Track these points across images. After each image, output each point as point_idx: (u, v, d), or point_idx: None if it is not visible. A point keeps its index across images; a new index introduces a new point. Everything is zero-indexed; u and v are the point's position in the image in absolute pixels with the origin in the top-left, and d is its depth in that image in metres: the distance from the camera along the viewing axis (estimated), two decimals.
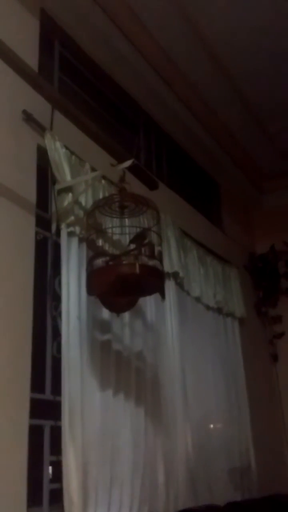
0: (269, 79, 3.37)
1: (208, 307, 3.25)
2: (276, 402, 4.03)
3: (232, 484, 3.02)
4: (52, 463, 1.99)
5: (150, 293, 2.15)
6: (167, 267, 2.68)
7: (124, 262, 1.93)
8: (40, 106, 2.13)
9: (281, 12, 2.86)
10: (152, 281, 1.95)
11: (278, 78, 3.37)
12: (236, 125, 3.74)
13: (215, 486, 2.80)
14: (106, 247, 2.17)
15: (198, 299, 3.14)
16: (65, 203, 2.15)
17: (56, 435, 1.94)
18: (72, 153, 2.25)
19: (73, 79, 2.75)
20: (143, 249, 1.96)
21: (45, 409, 1.99)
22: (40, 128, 2.17)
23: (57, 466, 1.92)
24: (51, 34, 2.59)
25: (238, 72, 3.29)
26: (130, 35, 2.83)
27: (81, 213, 2.19)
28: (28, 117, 2.13)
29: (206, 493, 2.67)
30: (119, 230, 2.17)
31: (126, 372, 2.29)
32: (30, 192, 2.10)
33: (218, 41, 3.03)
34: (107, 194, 2.28)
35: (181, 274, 2.89)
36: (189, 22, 2.89)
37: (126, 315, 2.34)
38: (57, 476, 1.92)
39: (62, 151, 2.18)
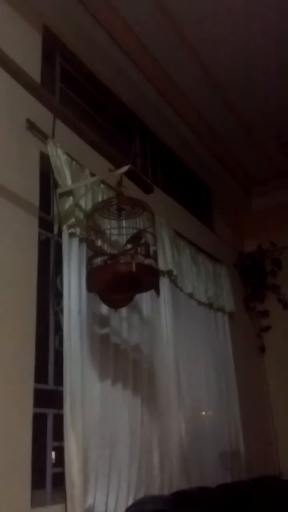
0: (257, 92, 3.38)
1: (200, 303, 3.26)
2: (263, 391, 4.04)
3: (223, 467, 3.03)
4: (54, 449, 1.98)
5: (145, 290, 2.16)
6: (161, 265, 2.69)
7: (121, 261, 1.93)
8: (42, 115, 2.13)
9: (269, 34, 2.87)
10: (147, 278, 1.95)
11: (265, 92, 3.37)
12: (226, 134, 3.75)
13: (206, 469, 2.80)
14: (105, 247, 2.16)
15: (190, 295, 3.14)
16: (66, 206, 2.14)
17: (58, 422, 1.94)
18: (72, 159, 2.25)
19: (74, 90, 2.74)
20: (139, 249, 1.96)
21: (48, 398, 1.99)
22: (42, 136, 2.17)
23: (59, 451, 1.92)
24: (53, 48, 2.59)
25: (229, 86, 3.30)
26: (127, 49, 2.83)
27: (81, 215, 2.19)
28: (31, 126, 2.13)
29: (198, 476, 2.68)
30: (117, 231, 2.17)
31: (123, 364, 2.29)
32: (34, 196, 2.09)
33: (211, 57, 3.05)
34: (105, 198, 2.28)
35: (174, 272, 2.90)
36: (183, 39, 2.90)
37: (124, 310, 2.34)
38: (59, 460, 1.92)
39: (63, 157, 2.18)
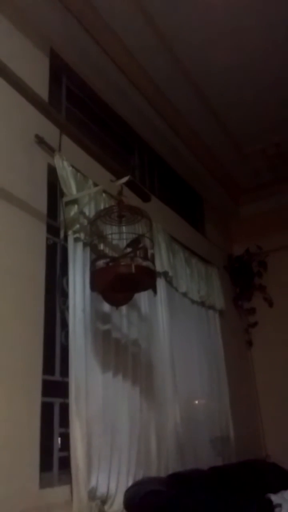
0: (245, 112, 3.40)
1: (193, 301, 3.25)
2: (251, 381, 4.04)
3: (214, 451, 3.02)
4: (61, 435, 1.98)
5: (144, 289, 2.15)
6: (158, 267, 2.69)
7: (122, 263, 1.92)
8: (50, 131, 2.13)
9: (258, 52, 2.89)
10: (145, 279, 1.95)
11: (253, 111, 3.40)
12: (217, 148, 3.76)
13: (199, 453, 2.80)
14: (107, 250, 2.16)
15: (184, 294, 3.14)
16: (72, 213, 2.14)
17: (64, 410, 1.93)
18: (77, 171, 2.25)
19: (78, 108, 2.75)
20: (138, 252, 1.96)
21: (55, 388, 1.98)
22: (50, 150, 2.17)
23: (65, 437, 1.92)
24: (59, 70, 2.59)
25: (220, 106, 3.33)
26: (127, 72, 2.84)
27: (85, 221, 2.19)
28: (39, 140, 2.13)
29: (192, 459, 2.67)
30: (118, 236, 2.17)
31: (123, 357, 2.28)
32: (42, 204, 2.09)
33: (205, 79, 3.07)
34: (107, 206, 2.28)
35: (170, 273, 2.89)
36: (178, 62, 2.91)
37: (124, 308, 2.33)
38: (65, 445, 1.92)
39: (69, 169, 2.18)
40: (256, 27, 2.72)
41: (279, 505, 1.58)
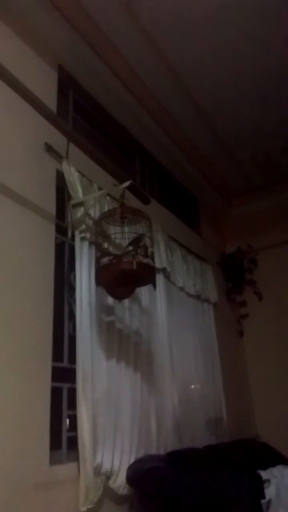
0: (237, 121, 3.38)
1: (189, 295, 3.25)
2: (242, 368, 4.04)
3: (209, 431, 3.02)
4: (69, 416, 1.98)
5: (144, 284, 2.15)
6: (157, 264, 2.68)
7: (124, 260, 1.92)
8: (58, 139, 2.13)
9: (250, 70, 2.87)
10: (146, 274, 1.94)
11: (244, 120, 3.38)
12: (211, 155, 3.74)
13: (195, 433, 2.80)
14: (110, 248, 2.16)
15: (181, 289, 3.13)
16: (78, 215, 2.14)
17: (72, 394, 1.94)
18: (83, 176, 2.24)
19: (84, 118, 2.74)
20: (139, 250, 1.95)
21: (63, 374, 1.98)
22: (58, 157, 2.16)
23: (73, 419, 1.92)
24: (67, 84, 2.58)
25: (215, 116, 3.30)
26: (129, 85, 2.83)
27: (90, 222, 2.19)
28: (49, 148, 2.12)
29: (188, 438, 2.67)
30: (120, 236, 2.17)
31: (126, 346, 2.28)
32: (51, 206, 2.09)
33: (200, 93, 3.06)
34: (111, 208, 2.27)
35: (168, 269, 2.89)
36: (176, 77, 2.90)
37: (126, 301, 2.33)
38: (73, 426, 1.92)
39: (76, 174, 2.18)
40: (249, 45, 2.70)
41: (268, 481, 1.58)
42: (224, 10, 2.46)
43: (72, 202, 2.14)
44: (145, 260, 1.91)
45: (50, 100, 2.23)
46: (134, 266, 1.84)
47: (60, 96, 2.41)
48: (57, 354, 1.94)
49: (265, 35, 2.64)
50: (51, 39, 2.35)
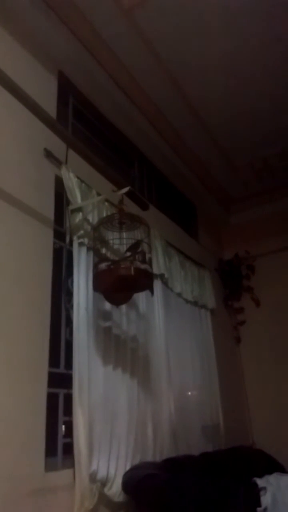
0: (236, 129, 3.41)
1: (187, 301, 3.25)
2: (239, 374, 4.04)
3: (205, 438, 3.01)
4: (65, 422, 1.97)
5: (142, 290, 2.15)
6: (155, 270, 2.69)
7: (122, 266, 1.93)
8: (57, 145, 2.14)
9: (250, 79, 2.90)
10: (144, 280, 1.95)
11: (243, 129, 3.41)
12: (209, 162, 3.77)
13: (192, 440, 2.79)
14: (108, 254, 2.16)
15: (179, 295, 3.13)
16: (77, 220, 2.14)
17: (68, 400, 1.93)
18: (82, 181, 2.25)
19: (84, 125, 2.75)
20: (137, 256, 1.96)
21: (60, 380, 1.98)
22: (57, 162, 2.17)
23: (69, 425, 1.91)
24: (66, 90, 2.60)
25: (213, 124, 3.34)
26: (128, 92, 2.85)
27: (88, 228, 2.19)
28: (48, 154, 2.13)
29: (185, 445, 2.66)
30: (118, 241, 2.17)
31: (123, 351, 2.28)
32: (49, 211, 2.09)
33: (200, 101, 3.10)
34: (109, 213, 2.28)
35: (166, 275, 2.89)
36: (176, 85, 2.93)
37: (124, 307, 2.33)
38: (69, 432, 1.90)
39: (75, 180, 2.19)
40: (249, 50, 2.73)
41: (264, 488, 1.57)
42: (224, 16, 2.48)
43: (70, 207, 2.14)
44: (143, 266, 1.92)
45: (50, 106, 2.25)
46: (132, 272, 1.85)
47: (59, 102, 2.43)
48: (53, 359, 1.93)
49: (264, 39, 2.66)
50: (51, 45, 2.37)
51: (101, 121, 2.91)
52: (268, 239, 4.15)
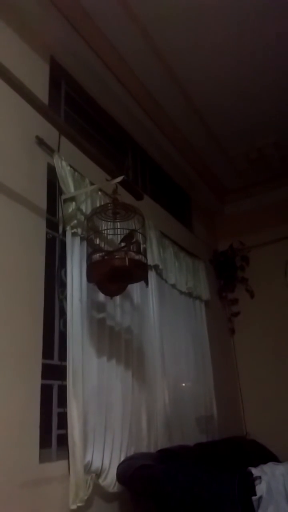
0: (231, 119, 3.39)
1: (181, 292, 3.26)
2: (233, 365, 4.07)
3: (199, 429, 3.04)
4: (59, 414, 1.98)
5: (136, 281, 2.15)
6: (149, 261, 2.68)
7: (116, 256, 1.92)
8: (49, 133, 2.11)
9: (247, 58, 2.88)
10: (138, 271, 1.94)
11: (238, 118, 3.39)
12: (204, 152, 3.75)
13: (186, 431, 2.82)
14: (102, 244, 2.15)
15: (173, 286, 3.14)
16: (70, 210, 2.13)
17: (62, 392, 1.93)
18: (75, 170, 2.23)
19: (76, 112, 2.72)
20: (131, 247, 1.95)
21: (54, 371, 1.97)
22: (49, 150, 2.15)
23: (63, 416, 1.91)
24: (59, 76, 2.56)
25: (208, 113, 3.31)
26: (122, 79, 2.81)
27: (82, 218, 2.18)
28: (40, 141, 2.11)
29: (179, 436, 2.68)
30: (112, 232, 2.16)
31: (117, 343, 2.28)
32: (42, 201, 2.07)
33: (195, 89, 3.06)
34: (103, 203, 2.26)
35: (160, 266, 2.89)
36: (170, 71, 2.89)
37: (118, 298, 2.33)
38: (63, 424, 1.91)
39: (67, 168, 2.16)
40: (245, 41, 2.71)
41: (259, 477, 1.60)
42: (221, 5, 2.46)
43: (63, 197, 2.12)
44: (138, 257, 1.91)
45: (42, 92, 2.21)
46: (126, 263, 1.84)
47: (52, 88, 2.39)
48: (47, 351, 1.93)
49: (261, 31, 2.64)
50: (43, 29, 2.32)
51: (94, 108, 2.87)
52: (263, 230, 4.16)
